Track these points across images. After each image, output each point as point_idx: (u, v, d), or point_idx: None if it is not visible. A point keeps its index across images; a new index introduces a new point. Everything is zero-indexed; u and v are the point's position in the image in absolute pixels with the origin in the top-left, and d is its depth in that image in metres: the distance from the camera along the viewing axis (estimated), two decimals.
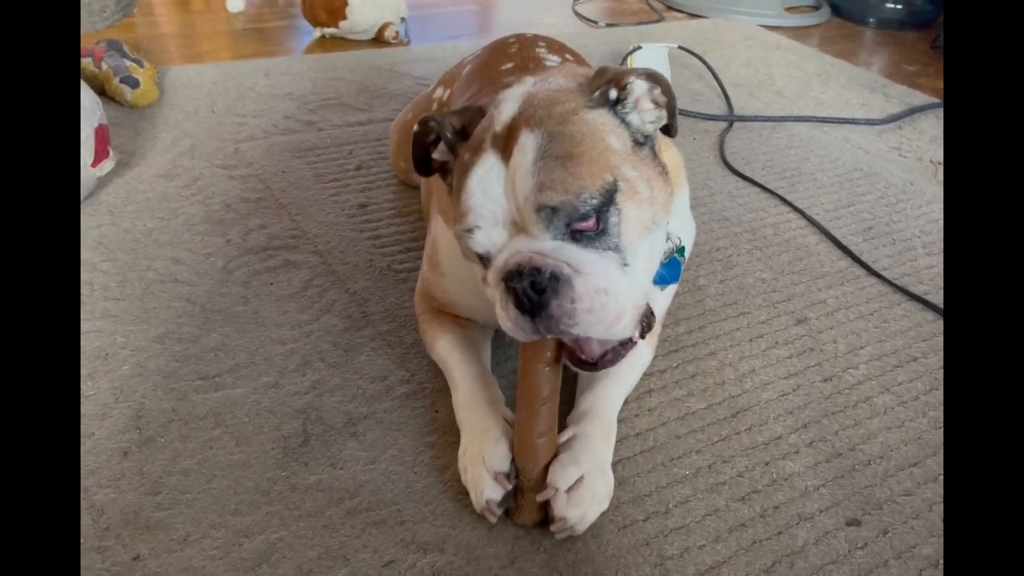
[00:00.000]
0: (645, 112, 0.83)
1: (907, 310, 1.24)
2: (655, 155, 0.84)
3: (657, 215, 0.82)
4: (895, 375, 1.11)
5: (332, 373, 1.04)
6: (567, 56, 1.27)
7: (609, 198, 0.77)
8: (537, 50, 1.23)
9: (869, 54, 2.50)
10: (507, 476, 0.84)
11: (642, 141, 0.82)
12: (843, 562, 0.85)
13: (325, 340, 1.09)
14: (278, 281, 1.21)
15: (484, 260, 0.81)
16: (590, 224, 0.76)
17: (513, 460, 0.85)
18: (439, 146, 0.88)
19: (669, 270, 0.94)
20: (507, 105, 0.82)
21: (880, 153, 1.75)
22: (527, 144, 0.77)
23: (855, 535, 0.88)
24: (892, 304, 1.25)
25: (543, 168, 0.75)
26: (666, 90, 0.83)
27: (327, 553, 0.82)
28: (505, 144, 0.79)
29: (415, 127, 0.88)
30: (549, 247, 0.77)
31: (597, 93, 0.81)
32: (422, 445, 0.94)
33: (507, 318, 0.79)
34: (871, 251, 1.39)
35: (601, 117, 0.80)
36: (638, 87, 0.82)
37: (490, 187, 0.78)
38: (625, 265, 0.79)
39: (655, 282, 0.93)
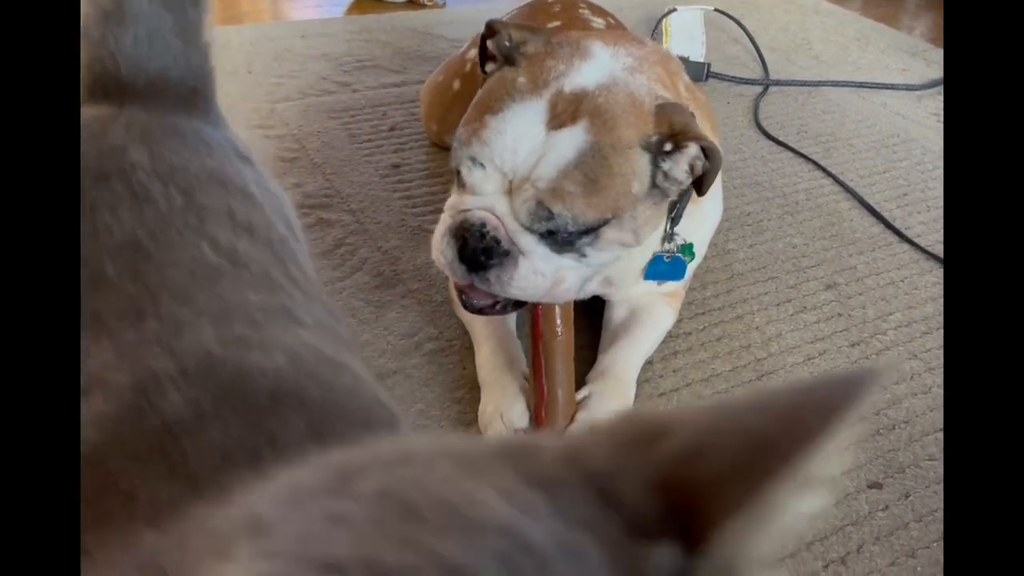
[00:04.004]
0: (679, 170, 0.83)
1: (938, 277, 1.23)
2: (662, 197, 0.85)
3: (641, 237, 0.85)
4: (923, 341, 1.11)
5: (363, 329, 1.06)
6: (609, 20, 1.27)
7: (596, 228, 0.80)
8: (580, 11, 1.24)
9: (912, 18, 2.45)
10: (525, 432, 0.86)
11: (657, 186, 0.84)
12: (863, 523, 0.86)
13: (356, 297, 1.12)
14: (312, 239, 1.23)
15: (460, 183, 0.84)
16: (565, 236, 0.80)
17: (531, 417, 0.88)
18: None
19: (672, 267, 0.97)
20: (589, 69, 0.83)
21: (919, 119, 1.73)
22: (576, 140, 0.78)
23: (876, 497, 0.89)
24: (923, 271, 1.25)
25: (568, 175, 0.78)
26: (711, 166, 0.83)
27: None
28: (562, 112, 0.80)
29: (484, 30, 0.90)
30: (516, 228, 0.80)
31: (656, 138, 0.81)
32: (449, 400, 0.96)
33: (442, 253, 0.83)
34: (904, 217, 1.38)
35: (643, 160, 0.81)
36: (690, 150, 0.82)
37: (521, 141, 0.79)
38: (583, 256, 0.83)
39: (648, 277, 0.96)
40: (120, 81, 0.60)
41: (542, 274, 0.81)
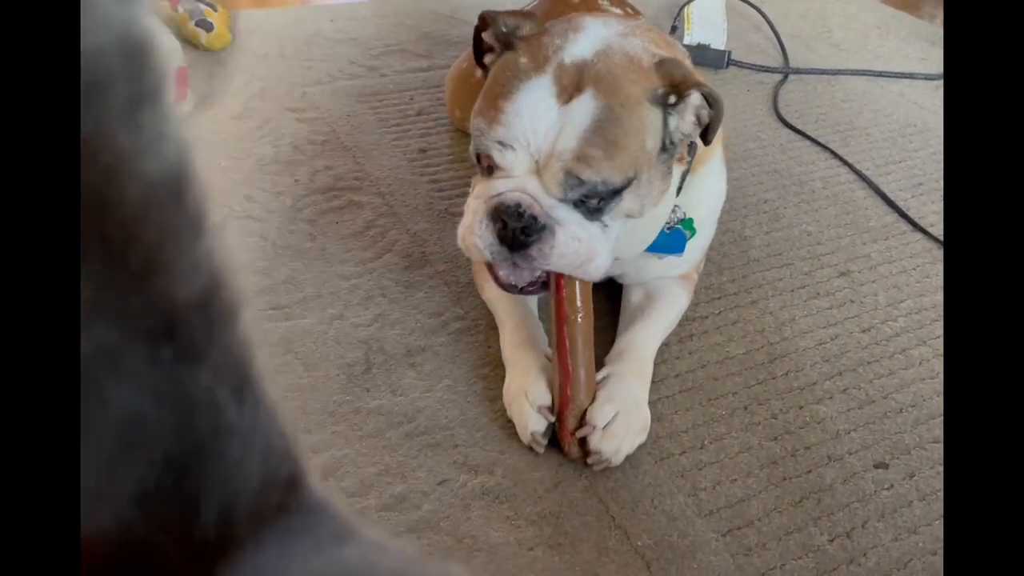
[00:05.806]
0: (686, 122, 0.88)
1: None
2: (671, 158, 0.90)
3: (645, 208, 0.89)
4: (933, 328, 1.15)
5: (393, 307, 1.11)
6: (627, 10, 1.30)
7: (621, 190, 0.84)
8: (600, 0, 1.27)
9: (933, 6, 2.46)
10: (550, 409, 0.91)
11: (667, 147, 0.88)
12: (868, 501, 0.91)
13: (386, 277, 1.16)
14: (343, 220, 1.28)
15: (486, 167, 0.87)
16: (596, 202, 0.84)
17: (553, 395, 0.92)
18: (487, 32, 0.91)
19: (672, 239, 1.00)
20: (584, 39, 0.87)
21: (936, 109, 1.75)
22: (587, 108, 0.82)
23: (882, 477, 0.93)
24: (935, 260, 1.28)
25: (589, 141, 0.81)
26: (715, 114, 0.86)
27: (387, 470, 0.89)
28: (568, 84, 0.83)
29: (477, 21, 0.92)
30: (550, 203, 0.84)
31: (661, 90, 0.85)
32: (475, 377, 1.01)
33: (480, 238, 0.86)
34: (919, 207, 1.41)
35: (652, 115, 0.85)
36: (694, 99, 0.86)
37: (538, 120, 0.83)
38: (605, 227, 0.86)
39: (651, 249, 1.00)
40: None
41: (579, 239, 0.85)
